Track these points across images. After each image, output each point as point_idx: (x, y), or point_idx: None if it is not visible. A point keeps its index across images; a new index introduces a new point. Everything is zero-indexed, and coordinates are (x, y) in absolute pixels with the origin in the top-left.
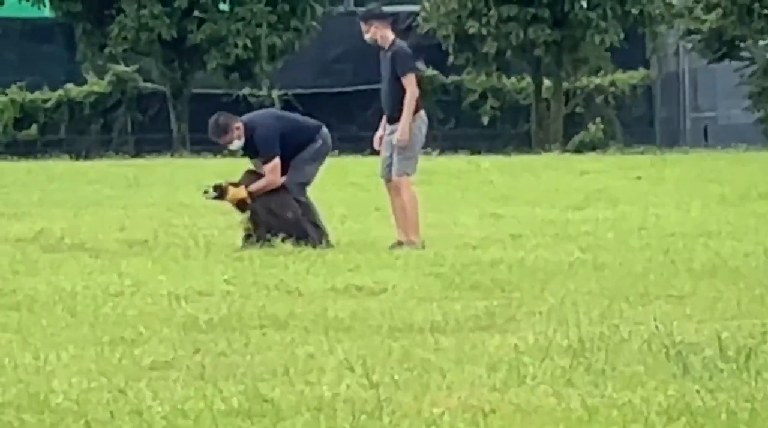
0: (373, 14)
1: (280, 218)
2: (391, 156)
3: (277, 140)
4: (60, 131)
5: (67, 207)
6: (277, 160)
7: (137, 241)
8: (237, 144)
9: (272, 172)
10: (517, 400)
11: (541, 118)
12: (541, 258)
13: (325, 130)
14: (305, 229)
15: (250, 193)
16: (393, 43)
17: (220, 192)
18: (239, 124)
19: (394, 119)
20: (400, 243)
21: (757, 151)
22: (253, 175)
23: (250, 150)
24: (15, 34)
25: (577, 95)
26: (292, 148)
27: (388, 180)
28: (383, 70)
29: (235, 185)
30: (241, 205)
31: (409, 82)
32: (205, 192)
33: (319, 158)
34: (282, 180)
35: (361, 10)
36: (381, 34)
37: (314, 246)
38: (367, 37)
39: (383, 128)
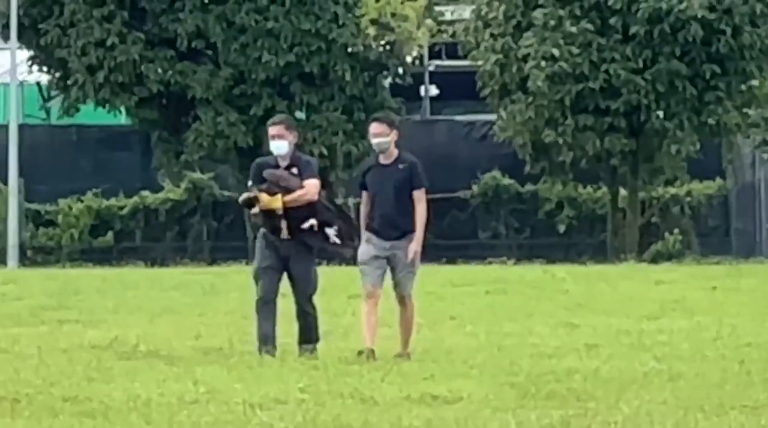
0: (394, 122)
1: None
2: (390, 270)
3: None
4: (135, 238)
5: (143, 314)
6: (319, 183)
7: (212, 349)
8: (283, 146)
9: (314, 187)
10: None
11: (617, 227)
12: (616, 368)
13: None
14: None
15: (284, 203)
16: (400, 155)
17: (254, 201)
18: (297, 134)
19: (400, 235)
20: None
21: None
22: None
23: (291, 166)
24: (91, 142)
25: (653, 205)
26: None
27: (378, 289)
28: (383, 183)
29: (270, 193)
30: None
31: (423, 196)
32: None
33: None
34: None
35: (438, 118)
36: (394, 142)
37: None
38: (385, 140)
39: (375, 242)
